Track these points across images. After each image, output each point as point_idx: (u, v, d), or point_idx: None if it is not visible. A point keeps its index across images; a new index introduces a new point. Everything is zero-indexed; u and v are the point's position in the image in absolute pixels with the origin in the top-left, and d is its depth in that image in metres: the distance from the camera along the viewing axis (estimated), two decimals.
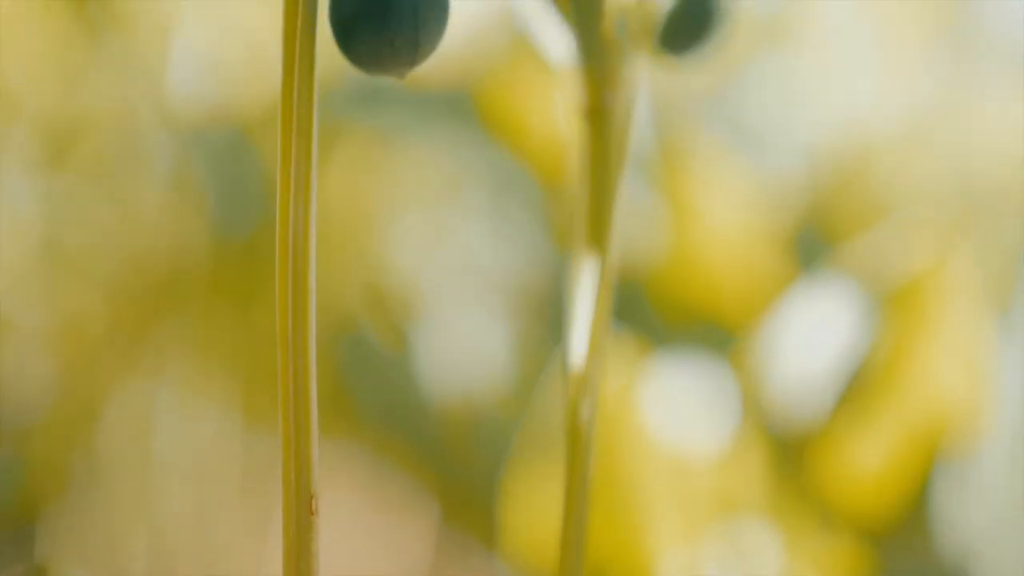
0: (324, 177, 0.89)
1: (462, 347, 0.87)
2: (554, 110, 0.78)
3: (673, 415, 0.67)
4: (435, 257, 0.89)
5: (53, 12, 0.90)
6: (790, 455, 0.65)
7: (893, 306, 0.63)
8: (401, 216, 0.91)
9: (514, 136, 0.80)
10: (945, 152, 0.98)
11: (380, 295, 0.89)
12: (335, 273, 0.89)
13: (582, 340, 0.43)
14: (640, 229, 0.74)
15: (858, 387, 0.64)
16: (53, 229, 0.89)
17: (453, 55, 0.85)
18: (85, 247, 0.89)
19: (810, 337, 0.65)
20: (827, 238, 0.81)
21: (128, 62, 0.91)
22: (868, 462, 0.64)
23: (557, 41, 0.42)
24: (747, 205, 0.75)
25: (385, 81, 0.86)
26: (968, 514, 0.68)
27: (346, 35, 0.36)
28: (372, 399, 0.90)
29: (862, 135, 0.95)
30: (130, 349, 0.90)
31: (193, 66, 0.92)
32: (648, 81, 0.44)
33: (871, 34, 1.05)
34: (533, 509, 0.68)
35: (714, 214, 0.74)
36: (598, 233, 0.43)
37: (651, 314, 0.73)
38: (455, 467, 0.87)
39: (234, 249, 0.91)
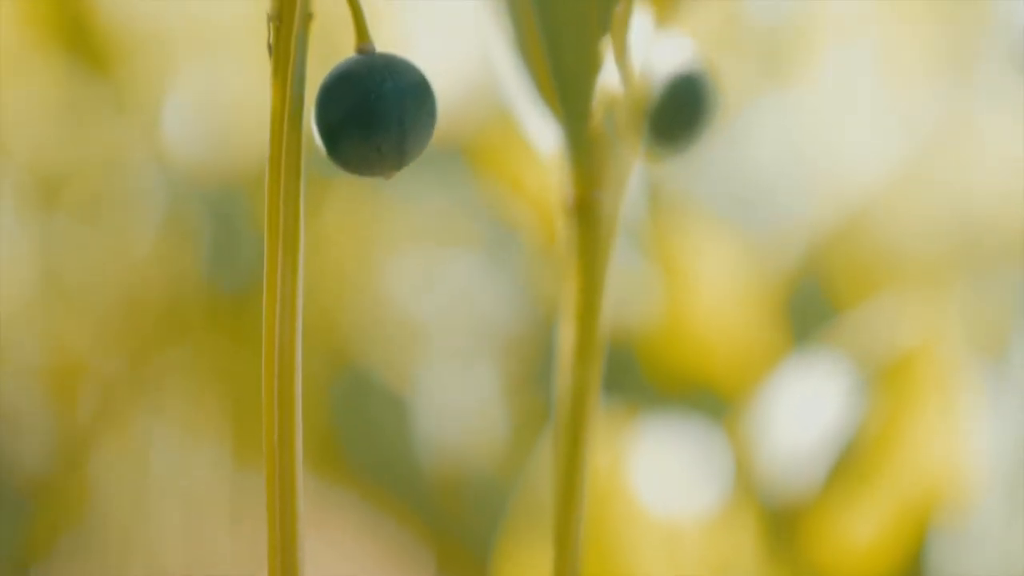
0: (317, 224, 0.89)
1: (457, 400, 0.87)
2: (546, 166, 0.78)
3: (664, 482, 0.67)
4: (430, 306, 0.89)
5: (50, 57, 0.90)
6: (782, 525, 0.64)
7: (884, 380, 0.63)
8: (394, 265, 0.91)
9: (507, 190, 0.80)
10: (943, 198, 0.98)
11: (374, 342, 0.89)
12: (328, 318, 0.89)
13: (571, 409, 0.43)
14: (632, 294, 0.74)
15: (850, 459, 0.64)
16: (50, 266, 0.89)
17: (448, 115, 0.85)
18: (81, 285, 0.90)
19: (803, 408, 0.65)
20: (822, 302, 0.81)
21: (123, 109, 0.91)
22: (860, 533, 0.64)
23: (546, 135, 0.42)
24: (740, 269, 0.75)
25: None
26: None
27: (332, 140, 0.36)
28: (366, 447, 0.90)
29: (857, 191, 0.95)
30: (124, 385, 0.90)
31: (187, 115, 0.92)
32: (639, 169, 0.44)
33: (865, 85, 1.05)
34: (527, 572, 0.68)
35: (706, 279, 0.74)
36: (587, 323, 0.43)
37: (643, 380, 0.73)
38: (450, 523, 0.87)
39: (227, 291, 0.91)
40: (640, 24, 0.44)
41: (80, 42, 0.91)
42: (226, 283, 0.90)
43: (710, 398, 0.72)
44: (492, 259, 0.88)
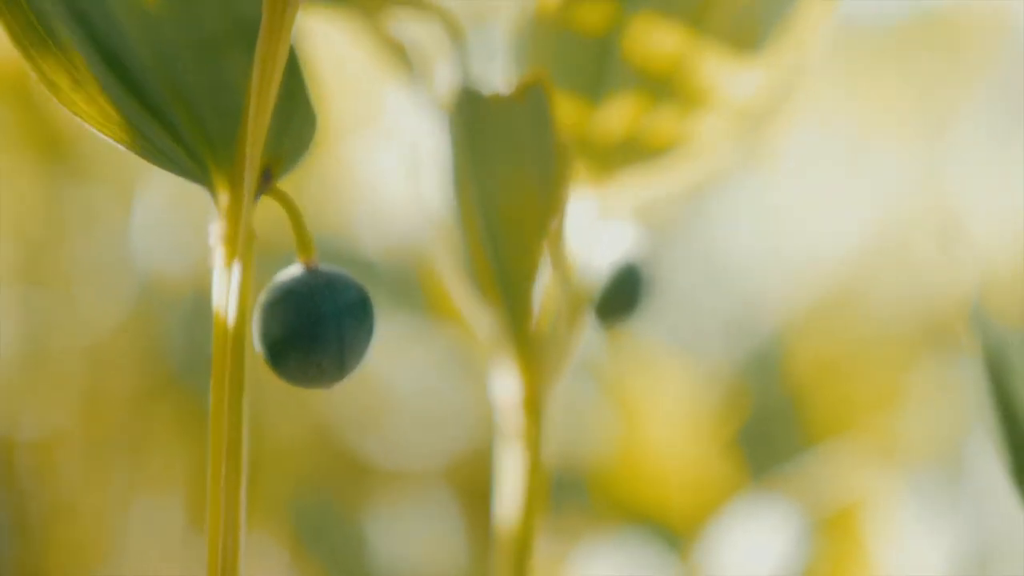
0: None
1: (413, 523, 0.87)
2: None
3: None
4: (384, 429, 0.90)
5: (25, 158, 0.91)
6: None
7: (829, 528, 0.64)
8: (344, 388, 0.91)
9: (457, 319, 0.81)
10: (909, 277, 0.99)
11: (331, 464, 0.89)
12: (283, 448, 0.90)
13: (512, 544, 0.43)
14: (584, 427, 0.75)
15: None
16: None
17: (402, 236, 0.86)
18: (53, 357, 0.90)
19: (750, 552, 0.65)
20: (776, 435, 0.81)
21: (92, 216, 0.91)
22: None
23: (489, 335, 0.43)
24: (694, 401, 0.75)
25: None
26: None
27: (275, 357, 0.37)
28: (327, 566, 0.90)
29: (824, 272, 0.96)
30: (98, 453, 0.90)
31: (154, 223, 0.92)
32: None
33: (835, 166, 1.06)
34: None
35: (661, 411, 0.74)
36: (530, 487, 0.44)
37: (593, 511, 0.73)
38: None
39: (192, 384, 0.91)
40: (582, 211, 0.45)
41: (55, 146, 0.91)
42: (191, 379, 0.91)
43: (661, 530, 0.72)
44: (443, 381, 0.88)
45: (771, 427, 0.84)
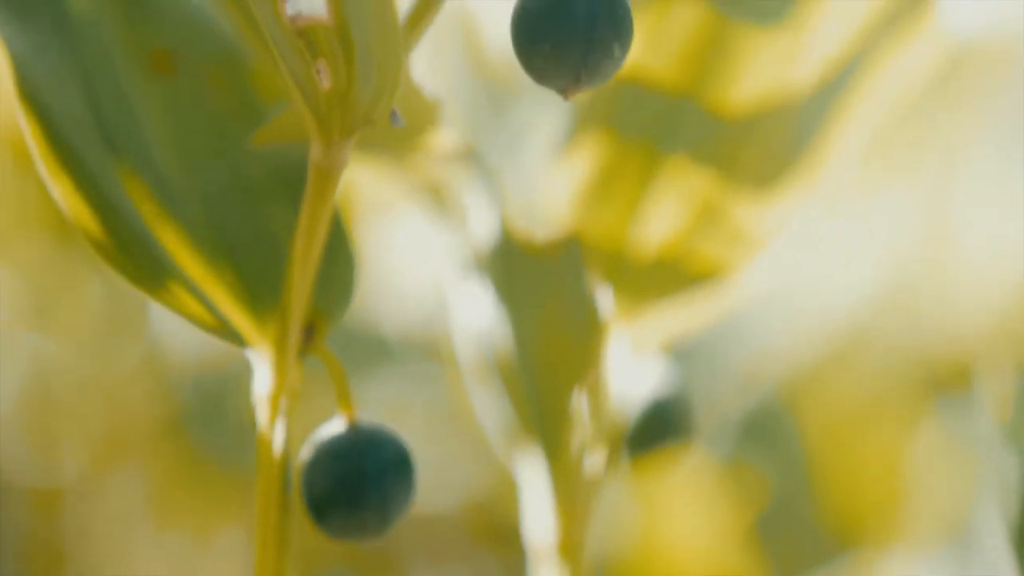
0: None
1: None
2: None
3: None
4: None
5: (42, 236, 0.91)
6: None
7: None
8: None
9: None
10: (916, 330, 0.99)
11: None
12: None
13: None
14: (605, 524, 0.75)
15: None
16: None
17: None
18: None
19: None
20: (792, 537, 0.81)
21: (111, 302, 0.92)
22: None
23: (525, 479, 0.43)
24: (715, 497, 0.76)
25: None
26: None
27: (318, 513, 0.37)
28: None
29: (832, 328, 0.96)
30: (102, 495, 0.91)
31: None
32: None
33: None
34: None
35: (681, 507, 0.74)
36: None
37: None
38: None
39: (214, 455, 0.91)
40: (618, 348, 0.45)
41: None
42: (212, 449, 0.91)
43: None
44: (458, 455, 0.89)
45: (788, 509, 0.85)
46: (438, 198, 0.44)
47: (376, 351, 0.92)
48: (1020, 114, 1.11)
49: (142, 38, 0.41)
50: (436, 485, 0.89)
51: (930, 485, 0.87)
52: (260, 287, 0.39)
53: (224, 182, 0.41)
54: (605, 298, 0.42)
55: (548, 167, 0.44)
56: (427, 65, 0.82)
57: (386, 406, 0.91)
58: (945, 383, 0.96)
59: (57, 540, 0.89)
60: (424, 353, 0.89)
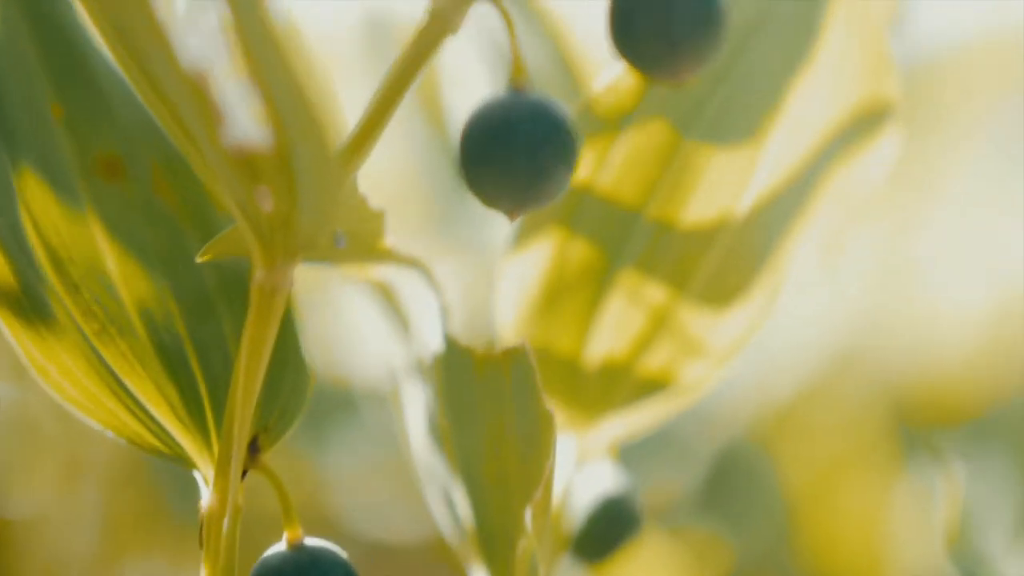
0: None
1: None
2: None
3: None
4: None
5: None
6: None
7: None
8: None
9: None
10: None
11: None
12: None
13: None
14: None
15: None
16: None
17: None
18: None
19: None
20: None
21: None
22: None
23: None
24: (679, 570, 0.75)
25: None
26: None
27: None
28: None
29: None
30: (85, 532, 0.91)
31: None
32: None
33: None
34: None
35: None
36: None
37: None
38: None
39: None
40: (561, 454, 0.45)
41: None
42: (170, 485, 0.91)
43: None
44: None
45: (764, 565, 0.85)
46: (385, 302, 0.44)
47: (341, 396, 0.92)
48: (996, 145, 1.11)
49: (87, 143, 0.41)
50: (406, 518, 0.89)
51: (903, 537, 0.87)
52: (206, 402, 0.39)
53: (172, 293, 0.40)
54: (554, 410, 0.41)
55: (501, 272, 0.44)
56: (391, 149, 0.82)
57: (352, 444, 0.91)
58: (917, 425, 0.96)
59: (13, 573, 0.89)
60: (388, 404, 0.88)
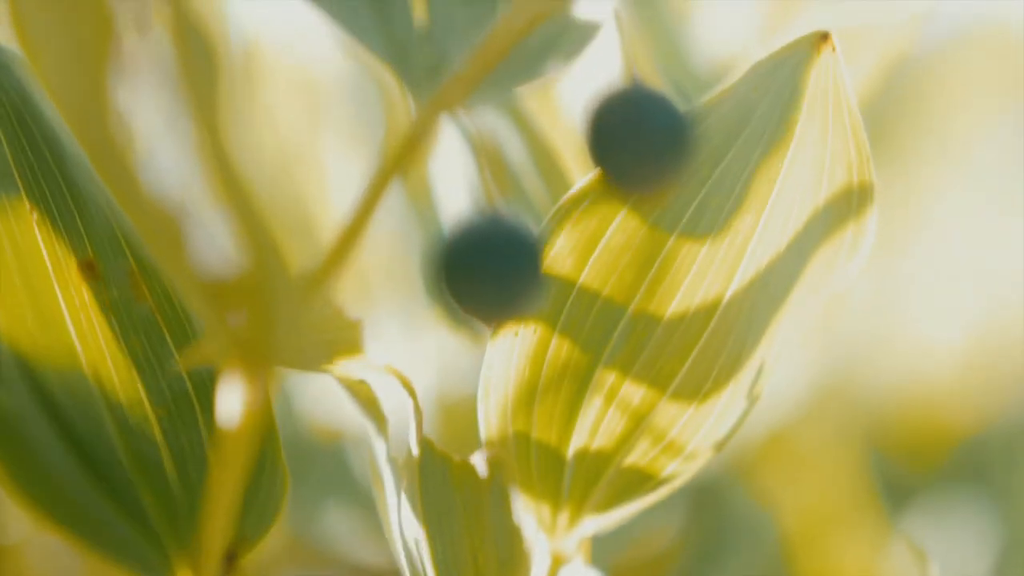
0: None
1: None
2: None
3: None
4: None
5: None
6: None
7: None
8: None
9: None
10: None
11: None
12: None
13: None
14: None
15: None
16: None
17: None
18: None
19: None
20: None
21: None
22: None
23: None
24: None
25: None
26: None
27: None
28: None
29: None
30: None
31: None
32: None
33: None
34: None
35: None
36: None
37: None
38: None
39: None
40: (542, 564, 0.45)
41: None
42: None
43: None
44: None
45: None
46: (363, 408, 0.44)
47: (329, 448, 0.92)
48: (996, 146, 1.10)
49: (63, 245, 0.41)
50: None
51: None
52: (182, 512, 0.39)
53: (147, 398, 0.40)
54: (530, 518, 0.41)
55: (485, 363, 0.43)
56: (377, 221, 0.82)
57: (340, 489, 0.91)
58: (899, 455, 0.95)
59: None
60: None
